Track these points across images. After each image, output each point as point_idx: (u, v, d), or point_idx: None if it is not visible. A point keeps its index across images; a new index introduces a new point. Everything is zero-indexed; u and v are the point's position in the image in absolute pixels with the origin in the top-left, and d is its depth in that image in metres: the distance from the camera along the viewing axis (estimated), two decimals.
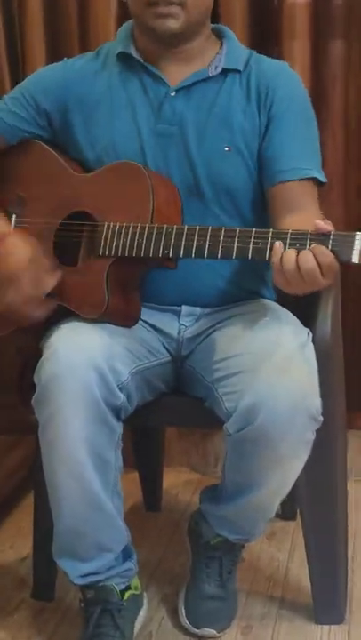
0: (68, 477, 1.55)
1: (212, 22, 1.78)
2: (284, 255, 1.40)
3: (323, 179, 1.70)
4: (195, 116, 1.69)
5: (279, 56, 2.14)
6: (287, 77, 1.75)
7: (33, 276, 1.59)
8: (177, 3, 1.62)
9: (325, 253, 1.39)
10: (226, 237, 1.49)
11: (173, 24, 1.64)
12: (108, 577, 1.64)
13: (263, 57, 1.78)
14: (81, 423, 1.50)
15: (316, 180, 1.69)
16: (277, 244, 1.42)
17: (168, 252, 1.54)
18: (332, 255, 1.39)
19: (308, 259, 1.39)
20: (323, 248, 1.39)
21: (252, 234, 1.47)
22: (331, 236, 1.40)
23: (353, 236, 1.38)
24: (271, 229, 1.47)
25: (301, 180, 1.66)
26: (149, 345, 1.71)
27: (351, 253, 1.38)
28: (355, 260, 1.38)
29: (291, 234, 1.43)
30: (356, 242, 1.38)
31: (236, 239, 1.48)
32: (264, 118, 1.69)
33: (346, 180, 2.24)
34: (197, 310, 1.75)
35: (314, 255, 1.39)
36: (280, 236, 1.44)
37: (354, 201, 2.21)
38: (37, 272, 1.60)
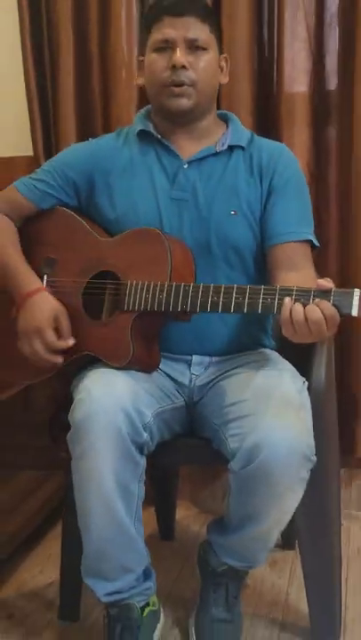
0: (97, 504, 1.55)
1: (218, 109, 1.82)
2: (293, 308, 1.42)
3: (316, 243, 1.73)
4: (205, 185, 1.72)
5: (280, 140, 2.15)
6: (285, 156, 1.77)
7: (55, 331, 1.65)
8: (188, 83, 1.66)
9: (329, 307, 1.40)
10: (237, 294, 1.50)
11: (186, 103, 1.68)
12: (130, 595, 1.65)
13: (263, 138, 1.81)
14: (110, 458, 1.51)
15: (310, 243, 1.72)
16: (287, 299, 1.43)
17: (186, 307, 1.55)
18: (335, 309, 1.40)
19: (315, 311, 1.40)
20: (327, 303, 1.40)
21: (261, 291, 1.48)
22: (332, 293, 1.41)
23: (352, 293, 1.40)
24: (278, 286, 1.48)
25: (299, 241, 1.69)
26: (167, 390, 1.72)
27: (351, 308, 1.39)
28: (354, 313, 1.40)
29: (296, 290, 1.44)
30: (355, 297, 1.39)
31: (247, 296, 1.49)
32: (265, 189, 1.72)
33: (340, 243, 2.25)
34: (206, 359, 1.75)
35: (320, 309, 1.40)
36: (287, 292, 1.45)
37: (347, 262, 2.22)
38: (60, 327, 1.66)
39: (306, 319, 1.41)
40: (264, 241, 1.72)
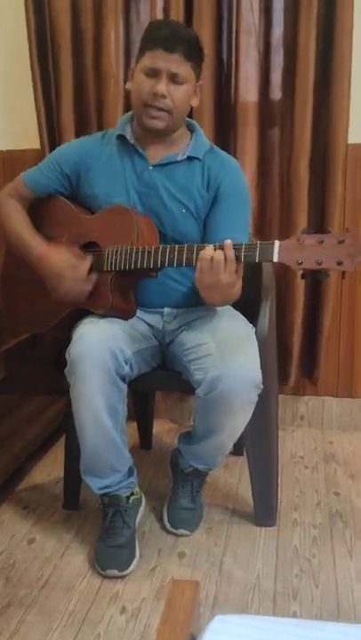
0: (90, 420, 1.54)
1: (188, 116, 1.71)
2: (202, 253, 1.40)
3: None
4: (164, 185, 1.65)
5: (235, 138, 2.11)
6: (233, 171, 1.67)
7: (74, 271, 1.59)
8: (165, 109, 1.58)
9: (229, 245, 1.37)
10: (187, 251, 1.47)
11: (159, 124, 1.60)
12: (118, 488, 1.64)
13: (219, 151, 1.70)
14: (99, 384, 1.50)
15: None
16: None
17: (150, 265, 1.52)
18: (233, 250, 1.36)
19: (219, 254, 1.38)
20: (229, 242, 1.37)
21: (194, 247, 1.46)
22: (258, 245, 1.36)
23: (273, 244, 1.34)
24: (205, 244, 1.45)
25: None
26: (144, 334, 1.69)
27: (273, 255, 1.33)
28: (275, 259, 1.33)
29: (234, 245, 1.40)
30: (275, 247, 1.33)
31: (194, 251, 1.46)
32: (211, 196, 1.64)
33: (281, 217, 2.20)
34: (175, 311, 1.72)
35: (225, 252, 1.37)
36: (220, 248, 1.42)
37: (287, 230, 2.17)
38: (76, 267, 1.60)
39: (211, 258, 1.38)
40: (207, 240, 1.62)
